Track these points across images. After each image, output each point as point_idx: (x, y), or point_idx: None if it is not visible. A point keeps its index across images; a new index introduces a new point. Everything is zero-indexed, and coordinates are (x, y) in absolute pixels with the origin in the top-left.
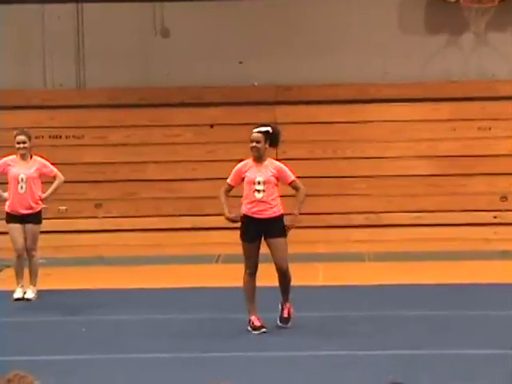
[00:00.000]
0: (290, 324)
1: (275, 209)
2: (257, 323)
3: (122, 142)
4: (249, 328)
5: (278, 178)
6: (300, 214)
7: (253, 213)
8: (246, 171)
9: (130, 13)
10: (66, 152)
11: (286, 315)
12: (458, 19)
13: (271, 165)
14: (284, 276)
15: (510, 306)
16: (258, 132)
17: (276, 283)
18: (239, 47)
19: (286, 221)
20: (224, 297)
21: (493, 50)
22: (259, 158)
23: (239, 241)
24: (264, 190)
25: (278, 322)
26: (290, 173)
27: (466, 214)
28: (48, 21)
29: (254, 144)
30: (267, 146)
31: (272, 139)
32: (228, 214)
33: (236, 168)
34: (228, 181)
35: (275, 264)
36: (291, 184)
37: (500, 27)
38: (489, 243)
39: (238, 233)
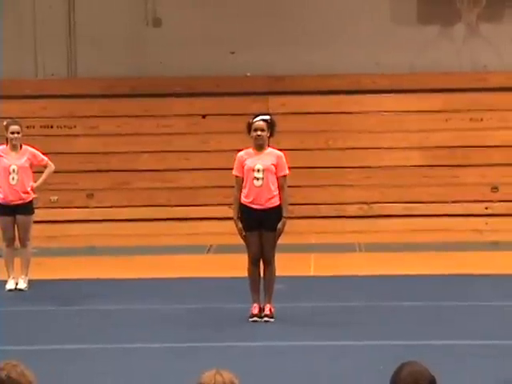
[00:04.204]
0: (273, 319)
1: (273, 199)
2: (253, 311)
3: (114, 132)
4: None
5: (276, 167)
6: (292, 204)
7: (251, 202)
8: (246, 159)
9: (121, 2)
10: (58, 142)
11: (268, 312)
12: (449, 10)
13: (272, 153)
14: (269, 265)
15: (500, 297)
16: (262, 120)
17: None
18: (231, 37)
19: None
20: (215, 287)
21: (485, 41)
22: (261, 147)
23: (231, 231)
24: (263, 178)
25: (263, 319)
26: (286, 167)
27: (457, 204)
28: (39, 10)
29: (259, 132)
30: (269, 134)
31: (272, 128)
32: (239, 225)
33: (237, 158)
34: (234, 173)
35: (262, 253)
36: (280, 178)
37: (492, 18)
38: (480, 234)
39: (229, 223)
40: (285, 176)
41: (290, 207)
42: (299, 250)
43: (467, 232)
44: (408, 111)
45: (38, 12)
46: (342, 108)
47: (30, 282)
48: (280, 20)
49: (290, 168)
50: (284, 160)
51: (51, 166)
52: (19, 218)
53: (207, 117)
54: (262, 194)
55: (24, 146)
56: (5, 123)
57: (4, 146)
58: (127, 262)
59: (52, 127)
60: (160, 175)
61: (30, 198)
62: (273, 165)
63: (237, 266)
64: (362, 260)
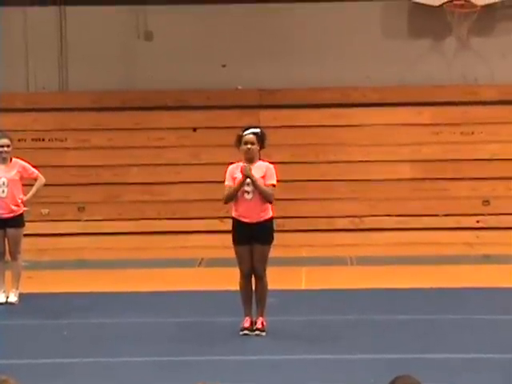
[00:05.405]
0: (265, 333)
1: (263, 213)
2: (245, 325)
3: (105, 145)
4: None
5: (264, 178)
6: (283, 217)
7: (240, 215)
8: (237, 172)
9: (113, 16)
10: (49, 155)
11: (259, 326)
12: (440, 24)
13: (262, 165)
14: (260, 280)
15: (492, 310)
16: (252, 133)
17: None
18: (223, 51)
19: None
20: (206, 301)
21: (475, 54)
22: (251, 160)
23: (222, 244)
24: (253, 191)
25: (254, 333)
26: (274, 177)
27: (448, 218)
28: (31, 24)
29: (249, 146)
30: (258, 147)
31: (262, 141)
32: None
33: (228, 170)
34: (226, 183)
35: (253, 268)
36: (267, 186)
37: (482, 32)
38: (471, 247)
39: (220, 237)
40: (273, 185)
41: (281, 220)
42: (290, 263)
43: (458, 245)
44: (398, 124)
45: (29, 25)
46: (332, 121)
47: (21, 296)
48: (271, 33)
49: (280, 181)
50: (273, 171)
51: (41, 179)
52: (10, 231)
53: (198, 130)
54: (251, 208)
55: (14, 159)
56: None
57: None
58: (118, 276)
59: (43, 140)
60: (151, 188)
61: (21, 211)
62: (262, 178)
63: (228, 279)
64: (354, 273)
